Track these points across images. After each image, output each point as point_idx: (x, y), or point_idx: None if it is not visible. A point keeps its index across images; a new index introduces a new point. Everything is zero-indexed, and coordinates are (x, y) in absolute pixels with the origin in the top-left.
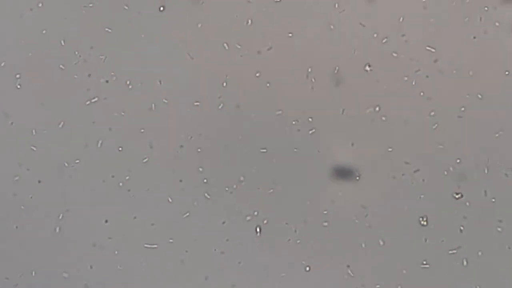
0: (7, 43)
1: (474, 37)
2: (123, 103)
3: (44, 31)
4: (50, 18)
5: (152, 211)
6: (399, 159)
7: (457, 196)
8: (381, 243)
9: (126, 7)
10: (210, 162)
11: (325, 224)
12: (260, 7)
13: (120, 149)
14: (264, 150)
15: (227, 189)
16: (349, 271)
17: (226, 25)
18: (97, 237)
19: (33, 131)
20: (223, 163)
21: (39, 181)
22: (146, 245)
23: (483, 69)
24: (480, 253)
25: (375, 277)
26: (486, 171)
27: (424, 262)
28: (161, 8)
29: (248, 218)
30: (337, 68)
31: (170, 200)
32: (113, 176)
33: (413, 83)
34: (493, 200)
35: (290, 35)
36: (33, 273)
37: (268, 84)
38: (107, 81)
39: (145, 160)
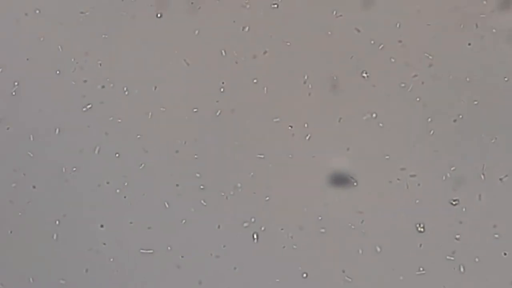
0: (3, 48)
1: (469, 44)
2: (119, 109)
3: (41, 38)
4: (46, 24)
5: (148, 216)
6: (395, 165)
7: (453, 202)
8: (378, 249)
9: (124, 14)
10: (207, 168)
11: (322, 230)
12: (257, 13)
13: (117, 155)
14: (261, 156)
15: (223, 194)
16: (346, 277)
17: (223, 31)
18: (94, 242)
19: (30, 136)
20: (220, 169)
21: (34, 187)
22: (142, 250)
23: (479, 76)
24: (477, 259)
25: (371, 283)
26: (482, 177)
27: (421, 269)
28: (159, 15)
29: (246, 224)
30: (334, 74)
31: (167, 206)
32: (108, 182)
33: (409, 90)
34: (489, 205)
35: (287, 41)
36: (31, 279)
37: (265, 90)
38: (103, 87)
39: (141, 166)
